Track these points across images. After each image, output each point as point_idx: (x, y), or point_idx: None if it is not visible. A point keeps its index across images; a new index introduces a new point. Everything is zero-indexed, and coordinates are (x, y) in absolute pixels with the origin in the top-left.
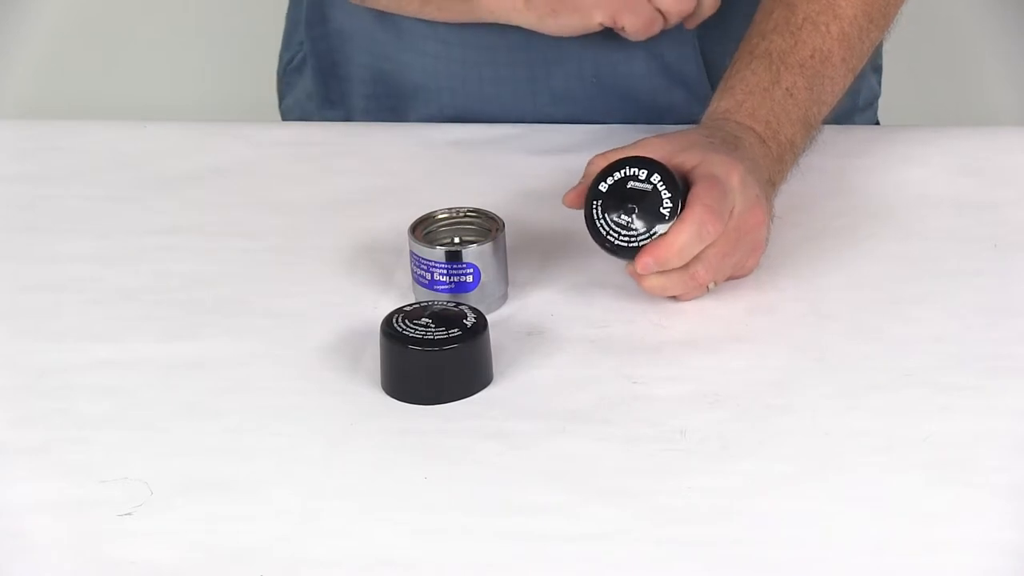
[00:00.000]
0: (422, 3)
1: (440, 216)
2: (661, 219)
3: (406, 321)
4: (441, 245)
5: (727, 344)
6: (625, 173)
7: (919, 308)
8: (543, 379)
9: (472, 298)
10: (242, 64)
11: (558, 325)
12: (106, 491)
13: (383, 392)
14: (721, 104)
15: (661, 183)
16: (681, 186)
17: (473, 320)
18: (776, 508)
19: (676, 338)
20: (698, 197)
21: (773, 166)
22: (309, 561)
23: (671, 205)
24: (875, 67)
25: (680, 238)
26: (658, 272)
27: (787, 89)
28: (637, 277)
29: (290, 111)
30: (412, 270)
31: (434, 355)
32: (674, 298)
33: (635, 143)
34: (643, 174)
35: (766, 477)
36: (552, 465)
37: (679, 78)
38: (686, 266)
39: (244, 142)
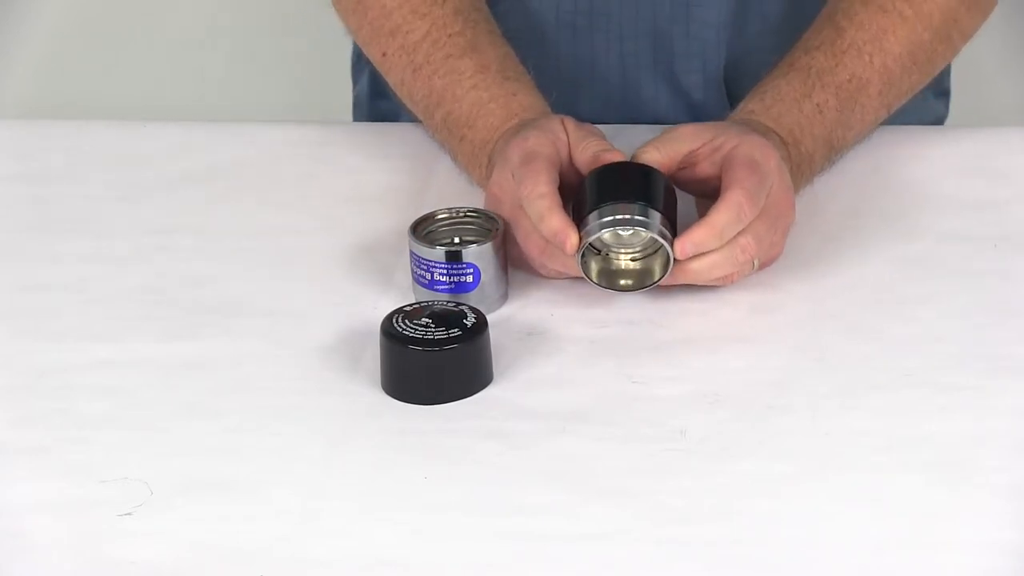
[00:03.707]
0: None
1: (440, 216)
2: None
3: (406, 321)
4: (441, 245)
5: (727, 344)
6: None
7: (919, 308)
8: (543, 379)
9: (472, 298)
10: (243, 64)
11: (558, 325)
12: (106, 491)
13: (383, 392)
14: (749, 105)
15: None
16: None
17: (473, 320)
18: (776, 508)
19: (676, 338)
20: (738, 181)
21: (791, 172)
22: (309, 561)
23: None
24: (941, 91)
25: (720, 219)
26: (703, 255)
27: (817, 105)
28: (676, 273)
29: (357, 99)
30: (412, 270)
31: (434, 355)
32: (708, 286)
33: (669, 130)
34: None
35: (766, 477)
36: (552, 465)
37: (704, 117)
38: (732, 241)
39: (244, 142)
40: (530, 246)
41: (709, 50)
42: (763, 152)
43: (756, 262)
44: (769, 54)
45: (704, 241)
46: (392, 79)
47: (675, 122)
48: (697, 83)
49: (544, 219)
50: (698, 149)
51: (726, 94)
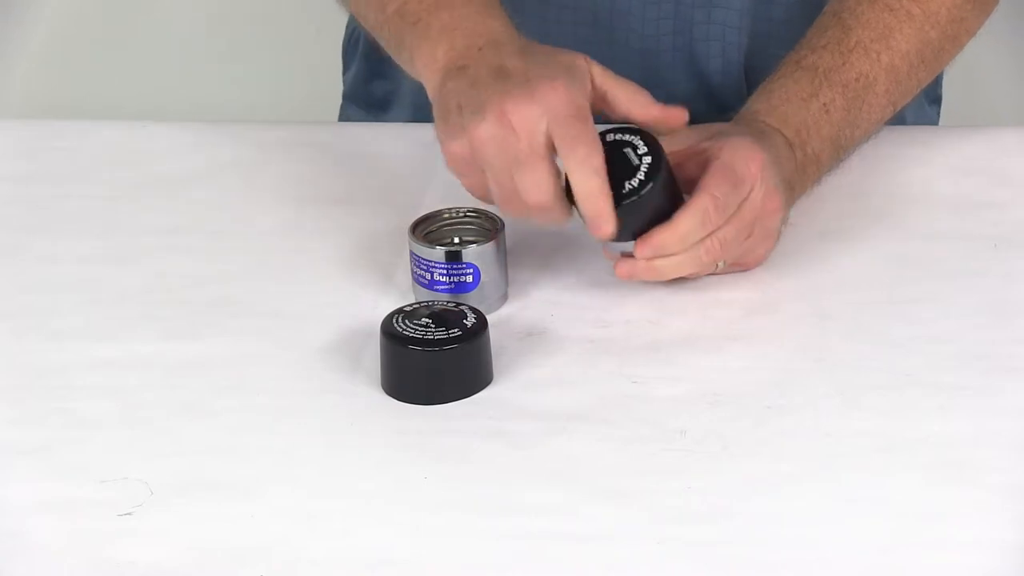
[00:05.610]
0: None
1: (440, 216)
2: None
3: (406, 321)
4: (441, 245)
5: (727, 344)
6: (619, 138)
7: (919, 308)
8: (543, 379)
9: (472, 298)
10: (243, 64)
11: (558, 325)
12: (106, 491)
13: (383, 392)
14: (755, 105)
15: (647, 155)
16: (663, 165)
17: (473, 320)
18: (776, 508)
19: (676, 338)
20: (706, 187)
21: (794, 173)
22: (309, 561)
23: (646, 171)
24: (935, 98)
25: (683, 225)
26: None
27: (824, 104)
28: (633, 267)
29: (350, 83)
30: (412, 270)
31: (434, 355)
32: (678, 280)
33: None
34: (639, 144)
35: (766, 477)
36: (552, 465)
37: (722, 102)
38: (696, 244)
39: (244, 142)
40: (509, 205)
41: (730, 35)
42: (747, 156)
43: (722, 263)
44: (790, 41)
45: (665, 245)
46: None
47: (693, 107)
48: (717, 68)
49: (594, 199)
50: (683, 151)
51: (745, 80)
